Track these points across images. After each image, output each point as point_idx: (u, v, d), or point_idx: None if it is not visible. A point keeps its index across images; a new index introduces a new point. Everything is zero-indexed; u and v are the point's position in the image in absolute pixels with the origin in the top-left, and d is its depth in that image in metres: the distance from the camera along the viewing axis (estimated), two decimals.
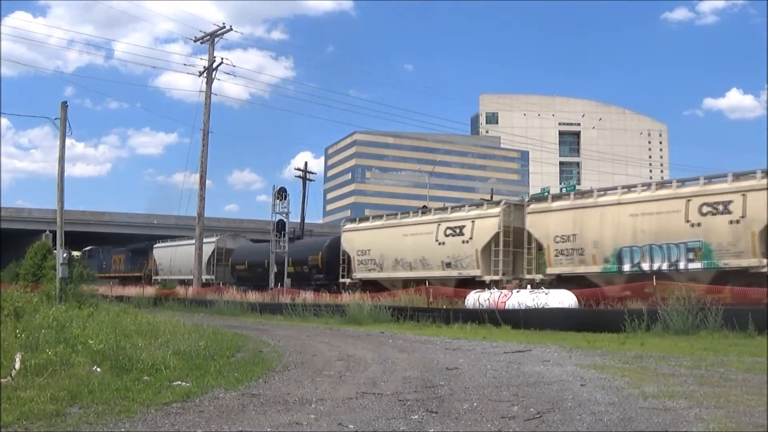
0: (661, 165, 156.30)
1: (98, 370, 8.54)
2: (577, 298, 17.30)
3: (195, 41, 34.64)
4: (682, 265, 18.04)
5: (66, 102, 22.79)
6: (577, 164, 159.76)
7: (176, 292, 33.21)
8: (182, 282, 36.86)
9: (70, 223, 29.95)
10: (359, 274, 27.27)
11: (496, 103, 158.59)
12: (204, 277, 36.49)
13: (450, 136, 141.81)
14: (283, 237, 29.71)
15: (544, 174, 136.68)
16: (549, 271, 20.75)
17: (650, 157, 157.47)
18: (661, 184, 20.06)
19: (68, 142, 25.31)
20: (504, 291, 18.82)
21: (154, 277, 42.95)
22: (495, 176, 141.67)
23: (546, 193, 25.60)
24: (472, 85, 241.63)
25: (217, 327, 15.59)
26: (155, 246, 44.27)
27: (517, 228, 22.11)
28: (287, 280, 29.46)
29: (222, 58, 34.20)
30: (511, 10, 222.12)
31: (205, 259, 36.81)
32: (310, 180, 43.09)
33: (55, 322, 12.13)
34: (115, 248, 51.43)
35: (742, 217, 17.04)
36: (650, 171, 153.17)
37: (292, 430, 5.92)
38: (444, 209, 25.70)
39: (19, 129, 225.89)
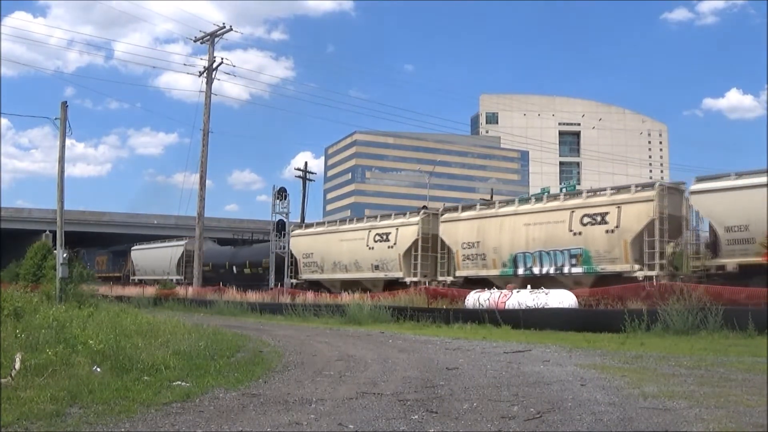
0: (661, 165, 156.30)
1: (98, 370, 8.54)
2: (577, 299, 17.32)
3: (195, 41, 34.69)
4: (566, 270, 20.21)
5: (66, 102, 22.82)
6: (577, 164, 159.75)
7: (176, 292, 33.22)
8: (157, 282, 38.67)
9: (70, 223, 29.95)
10: (304, 275, 29.97)
11: (496, 103, 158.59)
12: (174, 277, 39.49)
13: (450, 136, 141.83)
14: (284, 238, 29.72)
15: (544, 174, 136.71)
16: (458, 273, 23.26)
17: (650, 157, 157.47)
18: (552, 197, 22.48)
19: (68, 142, 25.35)
20: (504, 291, 18.82)
21: (132, 277, 45.28)
22: (495, 176, 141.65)
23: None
24: (472, 85, 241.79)
25: (217, 327, 15.57)
26: (133, 248, 46.60)
27: (435, 235, 24.79)
28: (285, 280, 29.44)
29: (222, 58, 34.27)
30: (511, 10, 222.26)
31: (175, 260, 40.25)
32: (310, 180, 43.13)
33: (55, 322, 12.12)
34: (99, 250, 52.53)
35: (617, 227, 19.20)
36: (650, 171, 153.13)
37: (292, 430, 5.92)
38: (374, 217, 28.62)
39: (19, 129, 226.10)
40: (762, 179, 17.38)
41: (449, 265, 24.18)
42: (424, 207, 29.88)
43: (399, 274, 25.39)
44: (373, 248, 26.69)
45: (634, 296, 16.22)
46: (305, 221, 38.37)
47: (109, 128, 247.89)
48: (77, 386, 7.38)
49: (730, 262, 17.46)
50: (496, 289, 19.28)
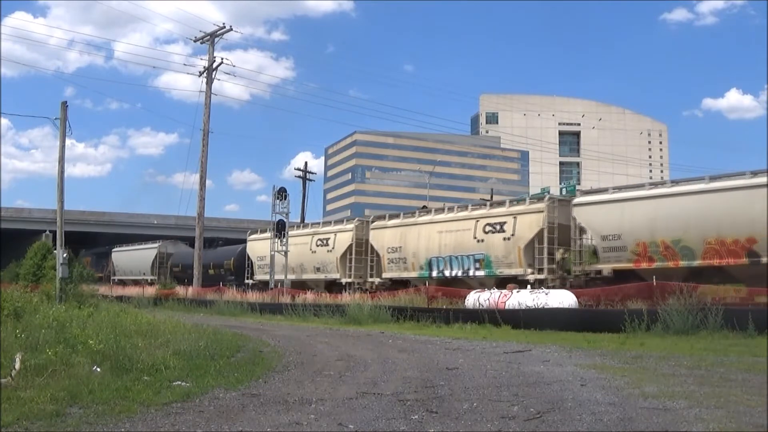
0: (661, 165, 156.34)
1: (98, 370, 8.54)
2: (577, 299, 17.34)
3: (195, 41, 34.68)
4: (471, 273, 22.48)
5: (66, 102, 22.81)
6: (577, 164, 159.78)
7: (176, 292, 33.23)
8: (135, 282, 41.90)
9: (70, 223, 29.95)
10: (258, 276, 32.72)
11: (496, 103, 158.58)
12: (149, 277, 41.90)
13: (450, 136, 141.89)
14: (284, 238, 29.76)
15: (544, 174, 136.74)
16: (384, 275, 25.71)
17: (650, 157, 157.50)
18: (462, 207, 24.98)
19: (68, 142, 25.35)
20: (504, 291, 18.82)
21: (112, 278, 46.96)
22: (495, 176, 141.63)
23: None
24: (472, 85, 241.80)
25: (217, 327, 15.58)
26: (114, 250, 48.77)
27: (367, 240, 27.23)
28: (285, 280, 29.46)
29: (222, 58, 34.27)
30: (511, 10, 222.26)
31: (149, 261, 42.98)
32: (310, 180, 43.12)
33: (55, 322, 12.13)
34: (86, 251, 52.96)
35: (512, 235, 21.53)
36: (650, 171, 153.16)
37: (292, 430, 5.93)
38: (318, 224, 31.53)
39: (20, 129, 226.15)
40: (632, 194, 19.86)
41: (378, 267, 26.50)
42: (424, 207, 29.98)
43: (337, 276, 28.00)
44: (315, 252, 29.44)
45: (636, 296, 16.26)
46: (305, 221, 38.44)
47: (109, 128, 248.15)
48: (77, 386, 7.38)
49: (606, 267, 19.51)
50: (495, 289, 19.30)
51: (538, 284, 20.26)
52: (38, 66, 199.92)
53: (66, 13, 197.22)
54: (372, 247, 26.81)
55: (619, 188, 21.03)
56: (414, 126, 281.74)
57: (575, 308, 16.86)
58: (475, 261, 22.44)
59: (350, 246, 27.56)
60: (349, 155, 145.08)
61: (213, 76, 34.09)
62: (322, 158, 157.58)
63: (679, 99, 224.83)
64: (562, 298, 17.19)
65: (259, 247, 33.20)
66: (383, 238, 26.31)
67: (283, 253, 29.29)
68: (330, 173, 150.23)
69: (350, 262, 27.54)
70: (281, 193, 30.70)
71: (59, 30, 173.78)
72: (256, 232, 34.40)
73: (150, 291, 35.18)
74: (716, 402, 6.74)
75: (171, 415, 6.45)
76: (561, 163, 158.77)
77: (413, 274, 24.53)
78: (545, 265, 20.64)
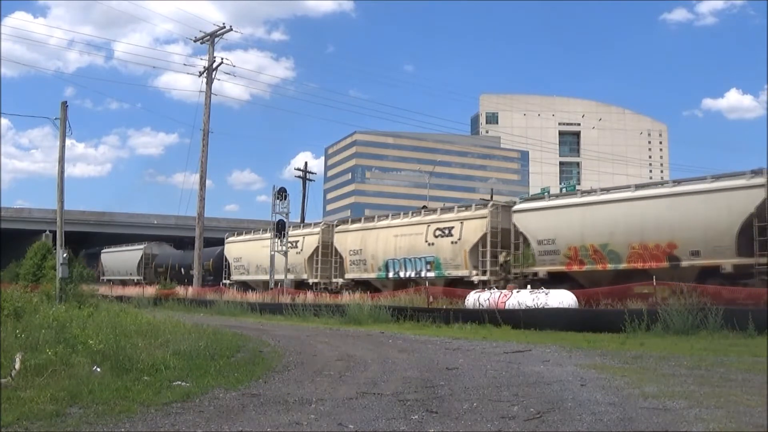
0: (661, 165, 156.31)
1: (98, 370, 8.54)
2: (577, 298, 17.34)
3: (195, 41, 34.67)
4: (423, 274, 23.80)
5: (66, 102, 22.79)
6: (577, 164, 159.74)
7: (176, 292, 33.23)
8: (122, 282, 43.59)
9: (70, 223, 29.94)
10: (234, 276, 34.53)
11: (496, 103, 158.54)
12: (135, 277, 43.70)
13: (450, 136, 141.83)
14: (284, 238, 29.77)
15: (544, 174, 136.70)
16: (346, 276, 27.40)
17: (650, 157, 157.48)
18: (416, 213, 26.80)
19: (68, 142, 25.35)
20: (504, 291, 18.82)
21: (101, 277, 48.06)
22: (495, 176, 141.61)
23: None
24: (472, 85, 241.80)
25: (217, 327, 15.58)
26: (103, 251, 50.45)
27: (332, 243, 29.03)
28: (285, 281, 29.47)
29: (222, 58, 34.25)
30: (511, 10, 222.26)
31: (135, 262, 44.84)
32: (310, 180, 43.09)
33: (55, 322, 12.13)
34: (85, 251, 53.16)
35: (459, 239, 23.00)
36: (650, 171, 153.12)
37: (292, 430, 5.93)
38: (289, 228, 31.82)
39: (20, 129, 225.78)
40: (564, 201, 21.40)
41: (341, 269, 28.20)
42: (424, 207, 30.08)
43: (305, 276, 29.73)
44: (285, 254, 30.44)
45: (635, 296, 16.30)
46: (305, 221, 38.47)
47: (110, 128, 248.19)
48: (77, 386, 7.38)
49: (542, 270, 20.77)
50: (495, 289, 19.31)
51: (482, 285, 21.54)
52: (38, 66, 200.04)
53: (66, 13, 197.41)
54: (336, 249, 28.57)
55: (555, 196, 22.68)
56: (414, 126, 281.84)
57: (575, 308, 16.86)
58: (427, 263, 23.99)
59: (317, 248, 29.36)
60: (349, 155, 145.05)
61: (213, 76, 34.09)
62: (322, 158, 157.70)
63: (679, 99, 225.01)
64: (562, 298, 17.19)
65: (235, 249, 35.12)
66: (346, 241, 27.97)
67: (282, 253, 29.35)
68: (330, 173, 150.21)
69: (317, 264, 29.33)
70: (281, 193, 30.69)
71: (59, 30, 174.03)
72: (233, 234, 36.40)
73: (150, 291, 35.20)
74: (716, 402, 6.74)
75: (171, 415, 6.45)
76: (561, 163, 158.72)
77: (372, 275, 26.24)
78: (488, 267, 22.10)
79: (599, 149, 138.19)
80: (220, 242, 40.59)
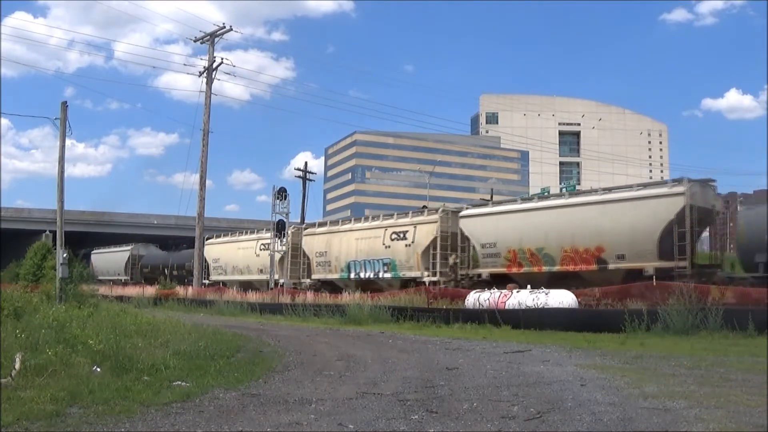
0: (661, 165, 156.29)
1: (98, 370, 8.54)
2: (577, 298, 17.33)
3: (195, 41, 34.64)
4: (381, 275, 25.64)
5: (66, 102, 22.78)
6: (577, 164, 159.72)
7: (176, 292, 33.23)
8: (110, 281, 44.49)
9: (70, 223, 29.93)
10: (213, 276, 36.18)
11: (496, 103, 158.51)
12: (123, 277, 45.38)
13: (450, 136, 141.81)
14: (284, 238, 29.79)
15: (544, 174, 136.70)
16: (313, 276, 28.98)
17: (650, 157, 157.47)
18: (375, 218, 28.15)
19: (68, 142, 25.34)
20: (504, 291, 18.80)
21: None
22: (495, 176, 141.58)
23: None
24: (472, 85, 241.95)
25: (217, 327, 15.58)
26: (93, 252, 51.25)
27: (301, 245, 30.61)
28: (285, 281, 29.47)
29: (222, 58, 34.22)
30: (511, 10, 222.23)
31: (123, 263, 46.44)
32: (310, 180, 43.06)
33: (55, 322, 12.14)
34: (76, 253, 53.73)
35: (412, 242, 24.66)
36: (650, 171, 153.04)
37: (292, 430, 5.93)
38: (260, 230, 34.30)
39: (20, 129, 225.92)
40: (505, 207, 23.19)
41: (308, 269, 29.77)
42: (424, 207, 30.12)
43: (276, 276, 30.73)
44: (259, 255, 32.86)
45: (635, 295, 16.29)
46: (305, 221, 38.49)
47: (110, 128, 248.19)
48: (77, 386, 7.38)
49: (485, 272, 22.29)
50: (495, 289, 19.29)
51: (433, 285, 22.83)
52: (38, 66, 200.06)
53: (66, 13, 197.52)
54: (304, 251, 30.21)
55: (497, 203, 25.15)
56: (414, 126, 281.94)
57: (575, 308, 16.85)
58: (384, 264, 25.66)
59: (288, 251, 30.85)
60: (349, 155, 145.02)
61: (213, 76, 34.07)
62: (322, 158, 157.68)
63: (679, 99, 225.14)
64: (562, 298, 17.17)
65: (214, 250, 36.74)
66: (313, 243, 29.66)
67: (280, 252, 29.36)
68: (330, 173, 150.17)
69: (286, 265, 30.81)
70: (281, 193, 30.70)
71: (59, 30, 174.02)
72: (211, 237, 38.18)
73: (150, 291, 35.20)
74: (716, 402, 6.73)
75: (171, 415, 6.45)
76: (561, 163, 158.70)
77: (335, 276, 27.90)
78: (438, 269, 23.62)
79: (599, 149, 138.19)
80: None
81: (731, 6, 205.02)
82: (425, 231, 24.43)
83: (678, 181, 18.84)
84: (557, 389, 7.76)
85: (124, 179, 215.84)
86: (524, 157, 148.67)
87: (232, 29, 34.17)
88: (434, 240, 23.89)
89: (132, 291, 37.12)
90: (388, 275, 25.40)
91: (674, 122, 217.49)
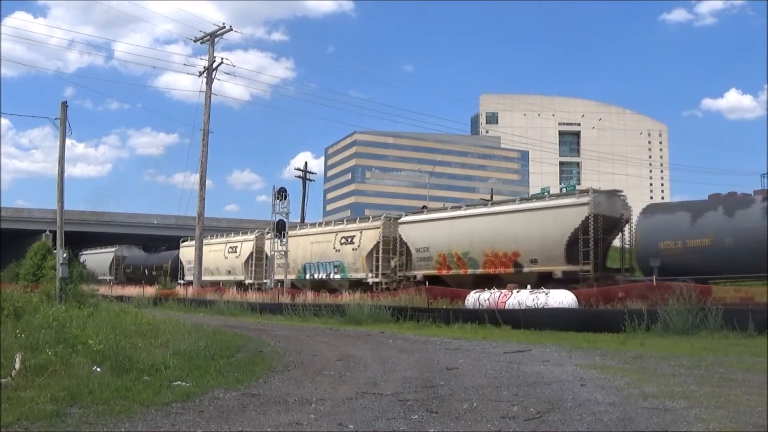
0: (661, 165, 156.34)
1: (98, 370, 8.54)
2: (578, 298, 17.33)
3: (195, 41, 34.60)
4: (331, 276, 28.03)
5: (66, 102, 22.76)
6: (577, 164, 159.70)
7: (176, 292, 33.23)
8: (97, 282, 44.26)
9: (70, 223, 29.92)
10: (188, 276, 38.34)
11: (496, 103, 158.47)
12: (107, 277, 46.73)
13: (450, 136, 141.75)
14: (284, 238, 29.80)
15: (544, 174, 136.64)
16: (275, 277, 30.54)
17: (650, 157, 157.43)
18: (328, 224, 31.48)
19: (68, 142, 25.33)
20: (504, 291, 18.80)
21: None
22: (495, 176, 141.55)
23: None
24: (472, 85, 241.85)
25: (217, 327, 15.58)
26: (82, 253, 51.05)
27: (263, 248, 33.16)
28: (285, 281, 29.48)
29: (222, 58, 34.17)
30: (511, 10, 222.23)
31: (107, 263, 48.23)
32: (310, 180, 43.09)
33: (55, 322, 12.12)
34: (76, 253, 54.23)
35: (358, 246, 26.98)
36: (650, 171, 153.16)
37: (292, 430, 5.92)
38: (230, 233, 37.46)
39: (20, 129, 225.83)
40: (436, 215, 25.49)
41: (271, 270, 31.66)
42: (424, 207, 30.25)
43: (242, 277, 33.57)
44: (227, 258, 35.58)
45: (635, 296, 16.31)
46: (305, 221, 38.51)
47: (110, 128, 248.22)
48: (77, 386, 7.38)
49: (419, 273, 24.42)
50: (495, 289, 19.29)
51: (376, 286, 25.41)
52: (38, 66, 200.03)
53: (66, 13, 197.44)
54: (267, 254, 32.26)
55: (431, 210, 27.30)
56: (414, 126, 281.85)
57: (575, 308, 16.85)
58: (334, 267, 27.92)
59: (251, 253, 33.53)
60: (349, 155, 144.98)
61: (213, 76, 34.05)
62: (322, 158, 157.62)
63: (679, 99, 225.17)
64: (562, 298, 17.18)
65: (188, 252, 38.74)
66: (274, 247, 31.70)
67: (283, 252, 29.40)
68: (330, 173, 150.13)
69: (251, 266, 33.38)
70: (281, 193, 30.68)
71: (59, 30, 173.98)
72: (186, 240, 40.43)
73: (150, 291, 35.21)
74: (716, 402, 6.74)
75: (171, 415, 6.45)
76: (561, 163, 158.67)
77: (293, 277, 30.02)
78: (380, 271, 25.84)
79: (599, 149, 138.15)
80: None
81: (731, 6, 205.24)
82: (369, 236, 26.72)
83: (584, 192, 20.63)
84: (557, 389, 7.76)
85: (124, 179, 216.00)
86: (524, 157, 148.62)
87: (232, 29, 34.16)
88: (377, 244, 26.14)
89: (132, 291, 37.14)
90: (337, 276, 27.62)
91: (674, 122, 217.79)
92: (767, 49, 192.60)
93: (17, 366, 7.93)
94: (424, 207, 30.69)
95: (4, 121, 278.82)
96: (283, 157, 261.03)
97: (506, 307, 17.66)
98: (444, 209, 26.44)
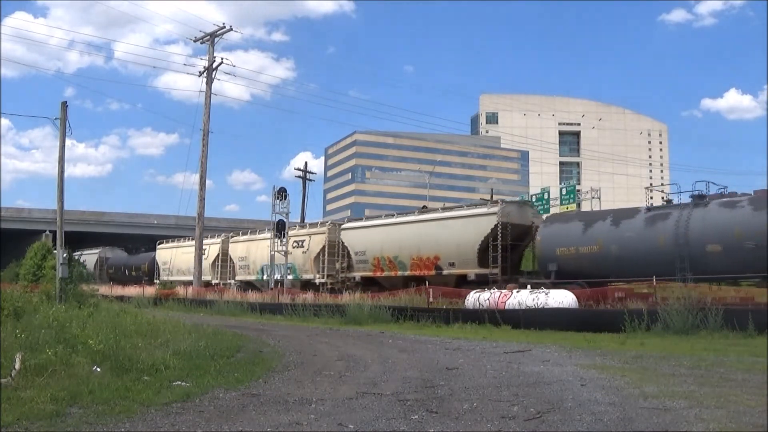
0: (661, 165, 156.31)
1: (98, 370, 8.53)
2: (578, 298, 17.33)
3: (195, 41, 34.58)
4: (286, 277, 29.52)
5: (66, 102, 22.75)
6: (577, 164, 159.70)
7: (176, 292, 33.22)
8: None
9: (70, 223, 29.93)
10: (163, 277, 41.14)
11: (496, 103, 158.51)
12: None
13: (450, 136, 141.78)
14: (284, 238, 29.81)
15: (544, 174, 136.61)
16: (237, 278, 34.01)
17: (650, 157, 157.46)
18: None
19: (69, 142, 25.33)
20: (504, 291, 18.80)
21: None
22: (495, 176, 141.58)
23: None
24: (472, 85, 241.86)
25: (217, 327, 15.57)
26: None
27: (228, 251, 36.49)
28: (279, 281, 29.48)
29: (222, 58, 34.14)
30: (511, 10, 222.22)
31: (92, 264, 48.92)
32: (310, 180, 43.06)
33: (55, 322, 12.12)
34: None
35: (308, 249, 29.78)
36: (650, 171, 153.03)
37: (292, 430, 5.92)
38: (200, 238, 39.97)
39: (20, 129, 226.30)
40: (372, 222, 28.16)
41: (233, 272, 35.27)
42: (424, 207, 30.31)
43: (209, 278, 36.06)
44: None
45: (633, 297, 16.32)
46: (305, 221, 38.52)
47: (110, 128, 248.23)
48: (77, 386, 7.37)
49: (358, 275, 27.02)
50: (496, 289, 19.30)
51: (323, 286, 27.68)
52: (38, 66, 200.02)
53: (66, 13, 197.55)
54: (230, 257, 35.79)
55: (368, 218, 30.33)
56: (414, 126, 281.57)
57: (575, 308, 16.85)
58: (287, 268, 29.93)
59: (218, 255, 36.69)
60: (349, 155, 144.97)
61: (213, 76, 34.03)
62: (322, 158, 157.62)
63: (679, 99, 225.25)
64: (562, 298, 17.17)
65: (164, 254, 42.19)
66: (236, 250, 35.37)
67: (283, 253, 29.42)
68: (330, 173, 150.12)
69: (217, 268, 36.59)
70: (281, 193, 30.67)
71: (59, 30, 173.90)
72: (163, 242, 43.06)
73: (150, 291, 35.22)
74: (716, 402, 6.73)
75: (171, 415, 6.44)
76: (561, 163, 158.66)
77: (253, 277, 33.09)
78: (326, 272, 28.22)
79: (599, 149, 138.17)
80: None
81: (730, 6, 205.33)
82: (317, 240, 29.27)
83: (495, 203, 23.64)
84: (557, 389, 7.75)
85: (124, 179, 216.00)
86: (524, 157, 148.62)
87: (232, 29, 34.13)
88: (323, 248, 28.68)
89: (132, 291, 37.15)
90: (290, 277, 29.80)
91: (674, 122, 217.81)
92: (767, 49, 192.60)
93: (17, 366, 7.92)
94: (424, 207, 30.77)
95: (4, 121, 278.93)
96: (283, 157, 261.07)
97: (506, 307, 17.66)
98: (379, 217, 29.32)
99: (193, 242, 37.61)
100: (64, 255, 21.77)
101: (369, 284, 25.83)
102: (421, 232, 24.79)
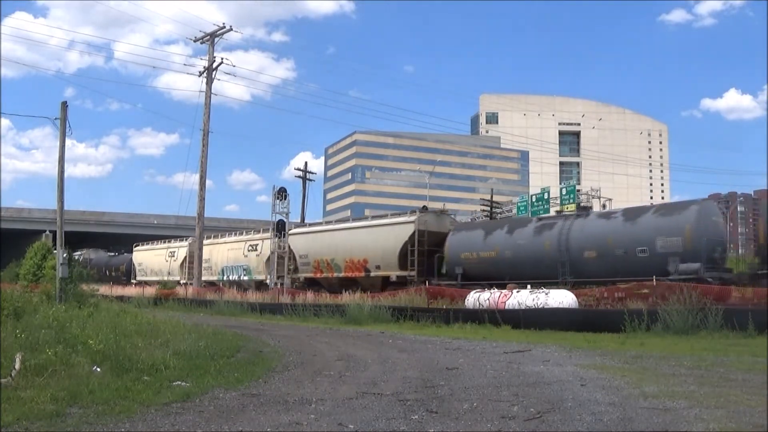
0: (661, 165, 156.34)
1: (98, 370, 8.53)
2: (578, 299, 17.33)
3: (195, 41, 34.56)
4: (242, 278, 33.35)
5: (66, 102, 22.71)
6: (577, 164, 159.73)
7: (176, 292, 33.21)
8: None
9: (70, 223, 29.93)
10: (138, 277, 43.89)
11: (496, 103, 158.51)
12: None
13: (450, 136, 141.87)
14: (284, 237, 29.81)
15: (544, 174, 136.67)
16: (203, 278, 35.12)
17: (650, 157, 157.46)
18: (240, 233, 36.90)
19: (69, 142, 25.31)
20: (504, 291, 18.79)
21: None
22: (495, 176, 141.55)
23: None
24: (472, 85, 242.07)
25: (217, 327, 15.57)
26: None
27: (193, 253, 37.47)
28: (287, 280, 29.49)
29: (222, 58, 34.12)
30: (511, 10, 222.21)
31: None
32: (310, 180, 43.00)
33: (55, 322, 12.12)
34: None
35: (260, 253, 32.53)
36: (650, 171, 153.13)
37: (292, 430, 5.92)
38: (170, 240, 42.78)
39: (20, 129, 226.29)
40: (313, 228, 31.61)
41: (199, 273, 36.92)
42: (424, 207, 30.26)
43: (178, 278, 38.53)
44: (168, 261, 40.87)
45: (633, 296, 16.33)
46: (305, 221, 38.53)
47: (110, 128, 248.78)
48: (77, 386, 7.37)
49: (302, 276, 29.80)
50: (496, 289, 19.29)
51: (274, 285, 29.32)
52: (38, 66, 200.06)
53: (66, 13, 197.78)
54: (196, 258, 36.85)
55: (310, 224, 33.38)
56: (414, 126, 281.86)
57: (575, 308, 16.84)
58: (244, 270, 33.39)
59: (186, 257, 38.69)
60: (349, 155, 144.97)
61: (213, 76, 34.02)
62: (322, 158, 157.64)
63: (679, 99, 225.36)
64: (562, 298, 17.17)
65: (139, 256, 44.98)
66: (202, 252, 36.89)
67: (282, 252, 29.47)
68: (330, 173, 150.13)
69: (186, 269, 38.25)
70: (281, 193, 30.67)
71: (59, 30, 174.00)
72: (138, 245, 45.48)
73: (150, 291, 35.20)
74: (716, 402, 6.73)
75: (171, 415, 6.44)
76: (561, 163, 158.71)
77: (215, 278, 35.92)
78: (275, 273, 30.25)
79: (599, 149, 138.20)
80: None
81: (730, 7, 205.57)
82: (267, 244, 31.47)
83: (414, 212, 25.92)
84: (557, 389, 7.75)
85: (124, 179, 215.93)
86: (524, 157, 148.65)
87: (232, 29, 34.12)
88: (273, 251, 30.64)
89: (132, 291, 37.15)
90: (246, 278, 32.86)
91: (674, 122, 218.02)
92: (767, 49, 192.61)
93: (17, 366, 7.92)
94: (424, 207, 30.73)
95: (4, 121, 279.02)
96: (283, 157, 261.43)
97: (506, 307, 17.65)
98: (320, 224, 33.27)
99: (165, 245, 42.13)
100: (64, 255, 21.75)
101: (311, 284, 28.49)
102: (353, 238, 27.51)
